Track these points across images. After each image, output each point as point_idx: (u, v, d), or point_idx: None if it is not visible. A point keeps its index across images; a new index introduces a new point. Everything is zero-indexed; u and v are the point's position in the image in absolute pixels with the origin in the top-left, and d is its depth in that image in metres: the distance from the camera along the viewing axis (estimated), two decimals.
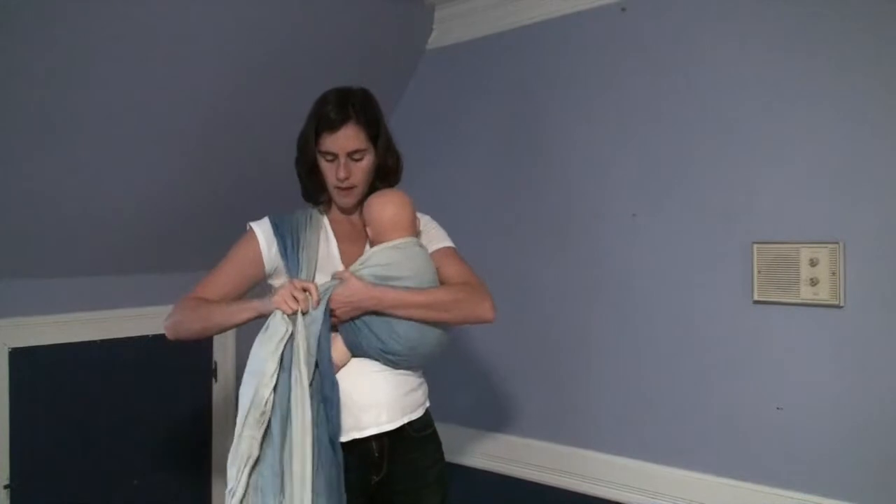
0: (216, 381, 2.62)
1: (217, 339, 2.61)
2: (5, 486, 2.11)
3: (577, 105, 2.26)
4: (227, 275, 1.57)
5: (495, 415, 2.43)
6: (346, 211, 1.63)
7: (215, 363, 2.62)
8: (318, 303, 1.43)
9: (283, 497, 1.35)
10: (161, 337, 2.44)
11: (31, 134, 1.88)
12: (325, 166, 1.56)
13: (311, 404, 1.38)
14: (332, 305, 1.44)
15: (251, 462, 1.37)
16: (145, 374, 2.42)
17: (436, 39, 2.64)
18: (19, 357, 2.14)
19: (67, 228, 2.10)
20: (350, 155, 1.53)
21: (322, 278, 1.51)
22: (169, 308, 2.51)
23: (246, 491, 1.36)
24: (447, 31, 2.60)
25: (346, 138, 1.52)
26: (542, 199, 2.33)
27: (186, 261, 2.48)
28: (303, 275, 1.51)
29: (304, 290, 1.43)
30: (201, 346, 2.58)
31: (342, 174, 1.53)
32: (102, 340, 2.32)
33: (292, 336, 1.41)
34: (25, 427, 2.15)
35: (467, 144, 2.53)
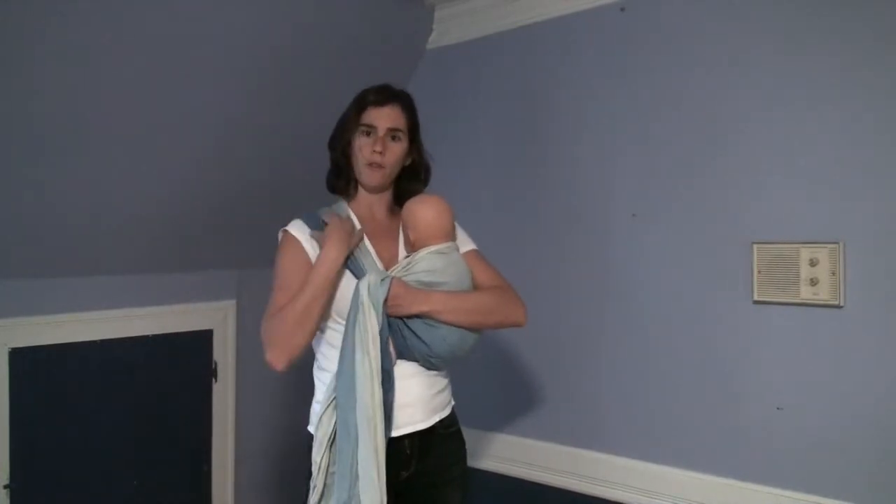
0: (216, 381, 2.62)
1: (217, 339, 2.61)
2: (5, 486, 2.11)
3: (576, 105, 2.26)
4: (294, 283, 1.52)
5: (495, 415, 2.44)
6: (373, 190, 1.65)
7: (215, 363, 2.62)
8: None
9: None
10: (161, 337, 2.48)
11: (34, 135, 1.88)
12: (362, 142, 1.60)
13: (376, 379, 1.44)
14: (389, 309, 1.47)
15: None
16: (145, 374, 2.42)
17: (436, 39, 2.64)
18: (19, 357, 2.14)
19: (68, 229, 2.10)
20: (389, 132, 1.60)
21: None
22: (169, 307, 2.52)
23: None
24: (447, 31, 2.60)
25: (389, 115, 1.60)
26: (541, 199, 2.34)
27: (188, 261, 2.49)
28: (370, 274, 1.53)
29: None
30: (201, 346, 2.58)
31: (378, 147, 1.58)
32: (102, 340, 2.32)
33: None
34: (25, 427, 2.15)
35: (467, 145, 2.53)
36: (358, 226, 1.59)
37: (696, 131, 2.00)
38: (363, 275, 1.50)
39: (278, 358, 1.44)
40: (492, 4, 2.45)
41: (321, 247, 1.50)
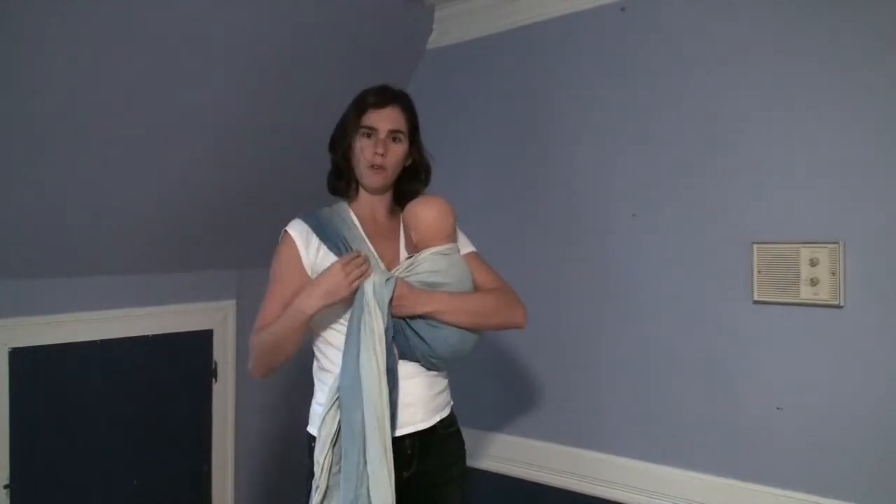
0: (216, 381, 2.62)
1: (217, 339, 2.62)
2: (5, 486, 2.11)
3: (576, 105, 2.26)
4: (283, 292, 1.54)
5: (495, 415, 2.44)
6: (374, 192, 1.65)
7: (215, 363, 2.62)
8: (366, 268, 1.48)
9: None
10: (161, 337, 2.49)
11: (34, 135, 1.88)
12: (363, 143, 1.60)
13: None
14: (394, 309, 1.48)
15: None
16: (145, 374, 2.42)
17: (436, 39, 2.64)
18: (19, 357, 2.14)
19: (68, 228, 2.10)
20: (390, 133, 1.60)
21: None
22: (169, 307, 2.52)
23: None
24: (447, 31, 2.60)
25: (390, 117, 1.61)
26: (541, 200, 2.34)
27: (187, 261, 2.49)
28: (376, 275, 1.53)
29: (356, 261, 1.47)
30: (201, 346, 2.58)
31: (380, 149, 1.58)
32: (102, 340, 2.32)
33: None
34: (25, 427, 2.15)
35: (467, 145, 2.53)
36: (382, 267, 1.56)
37: (696, 131, 2.00)
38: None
39: (256, 372, 1.59)
40: (492, 4, 2.45)
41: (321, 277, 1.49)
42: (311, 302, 1.46)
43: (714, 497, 1.94)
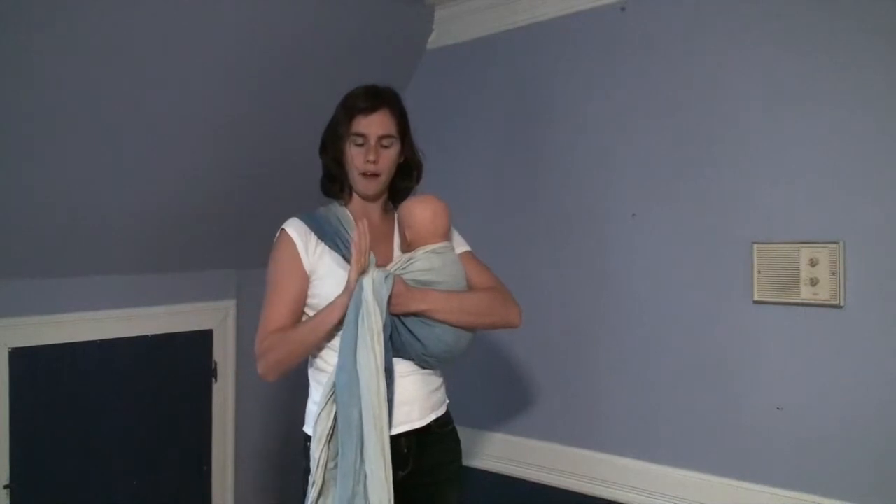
0: (216, 381, 2.62)
1: (217, 339, 2.62)
2: (5, 486, 2.11)
3: (576, 105, 2.26)
4: (288, 293, 1.55)
5: (495, 415, 2.44)
6: (368, 198, 1.64)
7: (215, 363, 2.62)
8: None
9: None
10: (161, 337, 2.49)
11: (32, 134, 1.88)
12: (354, 151, 1.59)
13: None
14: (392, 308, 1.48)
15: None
16: (145, 374, 2.42)
17: (436, 39, 2.64)
18: (19, 357, 2.14)
19: (68, 228, 2.10)
20: (380, 140, 1.58)
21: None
22: (169, 307, 2.51)
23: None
24: (447, 31, 2.60)
25: (380, 122, 1.58)
26: (541, 199, 2.34)
27: (187, 261, 2.49)
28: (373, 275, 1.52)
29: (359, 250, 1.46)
30: (201, 346, 2.58)
31: (371, 156, 1.56)
32: (102, 340, 2.32)
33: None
34: (25, 427, 2.15)
35: (467, 145, 2.53)
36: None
37: (696, 131, 2.00)
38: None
39: (272, 373, 1.54)
40: (492, 4, 2.45)
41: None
42: (334, 315, 1.47)
43: (714, 497, 1.94)
